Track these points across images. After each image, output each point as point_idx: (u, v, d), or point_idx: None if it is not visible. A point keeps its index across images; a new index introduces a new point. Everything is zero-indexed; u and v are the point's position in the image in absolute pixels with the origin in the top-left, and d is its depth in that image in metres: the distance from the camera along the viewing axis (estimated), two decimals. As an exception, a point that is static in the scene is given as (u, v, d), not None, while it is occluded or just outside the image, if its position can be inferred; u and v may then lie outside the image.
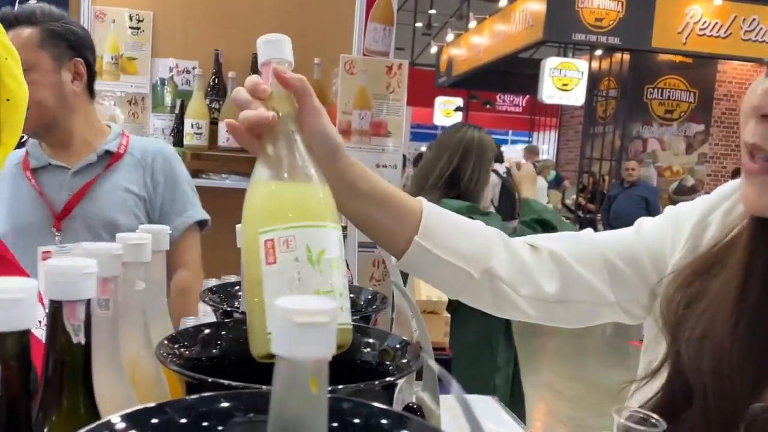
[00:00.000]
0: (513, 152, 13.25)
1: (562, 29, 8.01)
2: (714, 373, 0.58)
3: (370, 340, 0.57)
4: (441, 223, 0.72)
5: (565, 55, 8.92)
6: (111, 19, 2.20)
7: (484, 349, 1.99)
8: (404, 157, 5.44)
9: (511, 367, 2.08)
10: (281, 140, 0.58)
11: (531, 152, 8.33)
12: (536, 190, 2.15)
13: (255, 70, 2.16)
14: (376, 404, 0.38)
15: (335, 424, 0.36)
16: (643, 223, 0.80)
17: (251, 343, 0.53)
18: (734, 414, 0.57)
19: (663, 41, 8.20)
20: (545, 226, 1.89)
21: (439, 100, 12.86)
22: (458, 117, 12.69)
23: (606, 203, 7.08)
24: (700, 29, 8.25)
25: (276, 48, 0.60)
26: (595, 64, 9.09)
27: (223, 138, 2.11)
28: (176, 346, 0.51)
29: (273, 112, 0.58)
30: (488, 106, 13.18)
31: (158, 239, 0.66)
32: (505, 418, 1.07)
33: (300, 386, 0.31)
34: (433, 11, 11.81)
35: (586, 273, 0.76)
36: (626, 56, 8.88)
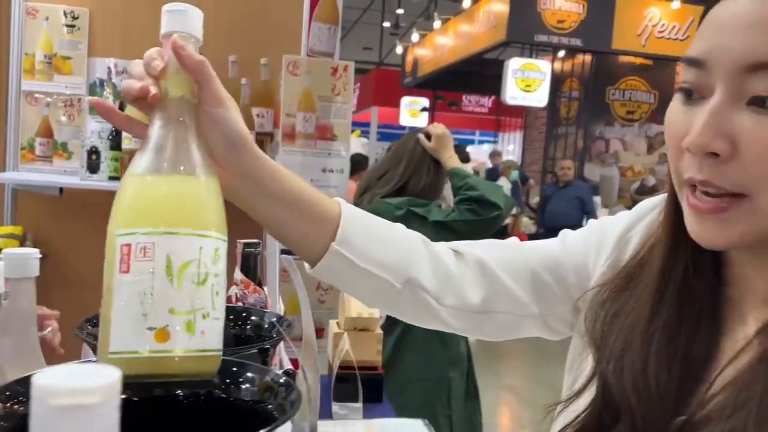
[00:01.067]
0: (479, 153, 13.30)
1: (524, 30, 8.04)
2: (635, 389, 0.55)
3: (249, 375, 0.50)
4: (360, 228, 0.66)
5: (530, 56, 8.96)
6: (44, 16, 2.09)
7: (434, 340, 1.96)
8: (362, 158, 5.36)
9: (466, 361, 2.05)
10: (166, 127, 0.51)
11: (496, 155, 8.36)
12: (454, 153, 2.01)
13: (198, 70, 2.07)
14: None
15: None
16: (568, 235, 0.76)
17: (97, 359, 0.47)
18: (661, 428, 0.54)
19: (623, 43, 8.30)
20: (480, 201, 1.85)
21: (405, 101, 12.81)
22: (424, 117, 12.68)
23: (540, 203, 7.01)
24: (659, 32, 8.37)
25: (179, 19, 0.53)
26: (558, 66, 9.16)
27: (164, 141, 2.03)
28: (10, 402, 0.44)
29: (141, 83, 0.51)
30: (454, 107, 13.20)
31: (24, 264, 0.59)
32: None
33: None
34: (400, 11, 11.78)
35: (511, 282, 0.72)
36: (588, 58, 8.97)
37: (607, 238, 0.71)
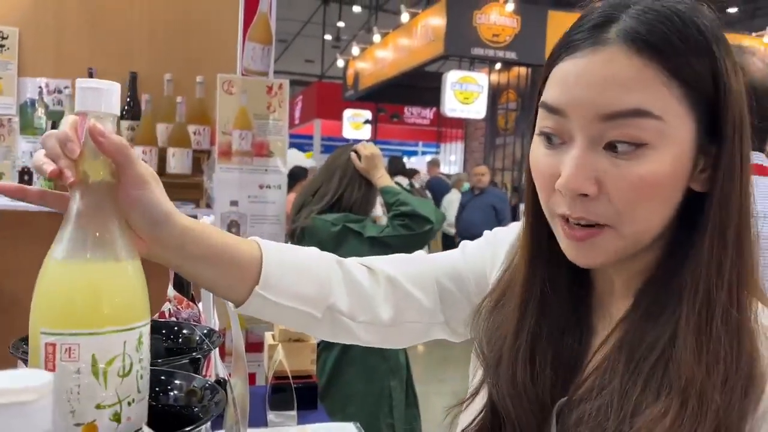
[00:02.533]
0: (423, 164, 13.51)
1: (461, 44, 8.26)
2: (512, 395, 0.63)
3: (177, 382, 0.55)
4: (281, 269, 0.70)
5: (470, 69, 9.19)
6: (-29, 36, 2.06)
7: (374, 352, 2.02)
8: (300, 170, 5.38)
9: (405, 370, 2.12)
10: (86, 210, 0.50)
11: (434, 165, 8.50)
12: (385, 171, 2.09)
13: (133, 89, 2.08)
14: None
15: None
16: (467, 246, 0.83)
17: None
18: (539, 424, 0.62)
19: (555, 56, 8.62)
20: (412, 217, 1.93)
21: (348, 113, 12.92)
22: (367, 130, 12.80)
23: (458, 212, 6.77)
24: (588, 45, 8.74)
25: (96, 98, 0.51)
26: (495, 78, 9.43)
27: (99, 160, 2.03)
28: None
29: (53, 166, 0.50)
30: (396, 119, 13.37)
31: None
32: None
33: (6, 469, 0.29)
34: (341, 24, 11.88)
35: (419, 294, 0.78)
36: (524, 70, 9.28)
37: (501, 247, 0.78)
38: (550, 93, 0.59)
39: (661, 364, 0.54)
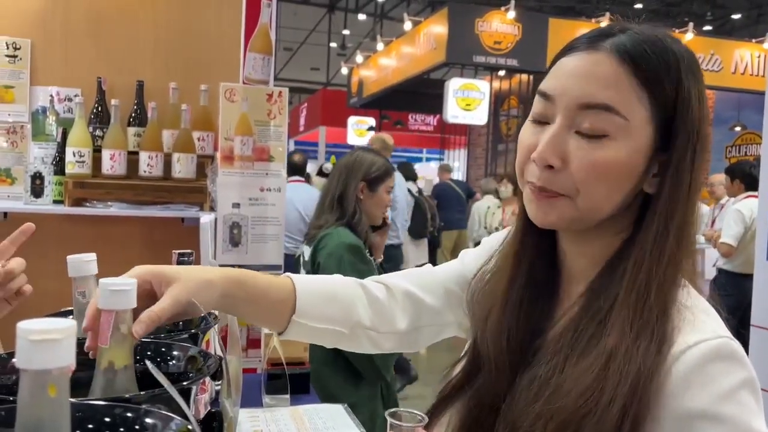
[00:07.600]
0: (427, 170, 13.58)
1: (463, 52, 8.35)
2: (493, 342, 0.74)
3: (174, 353, 0.63)
4: (312, 298, 0.83)
5: (474, 77, 9.27)
6: (-15, 48, 2.16)
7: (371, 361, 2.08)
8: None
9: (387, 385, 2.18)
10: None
11: (445, 170, 8.45)
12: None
13: (140, 97, 2.17)
14: (129, 406, 0.45)
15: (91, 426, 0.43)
16: (467, 253, 0.95)
17: None
18: (512, 366, 0.73)
19: (556, 63, 8.69)
20: None
21: (352, 120, 13.01)
22: (371, 136, 12.88)
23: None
24: (589, 52, 8.81)
25: (120, 299, 0.59)
26: (498, 85, 9.51)
27: (107, 166, 2.11)
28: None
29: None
30: (399, 126, 13.45)
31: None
32: (352, 426, 1.15)
33: (39, 392, 0.37)
34: (346, 32, 12.00)
35: (431, 300, 0.90)
36: (526, 77, 9.36)
37: (494, 246, 0.88)
38: (544, 82, 0.70)
39: (598, 333, 0.64)
